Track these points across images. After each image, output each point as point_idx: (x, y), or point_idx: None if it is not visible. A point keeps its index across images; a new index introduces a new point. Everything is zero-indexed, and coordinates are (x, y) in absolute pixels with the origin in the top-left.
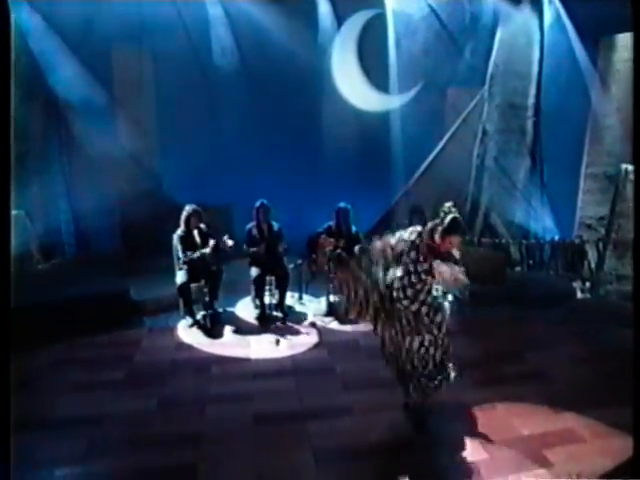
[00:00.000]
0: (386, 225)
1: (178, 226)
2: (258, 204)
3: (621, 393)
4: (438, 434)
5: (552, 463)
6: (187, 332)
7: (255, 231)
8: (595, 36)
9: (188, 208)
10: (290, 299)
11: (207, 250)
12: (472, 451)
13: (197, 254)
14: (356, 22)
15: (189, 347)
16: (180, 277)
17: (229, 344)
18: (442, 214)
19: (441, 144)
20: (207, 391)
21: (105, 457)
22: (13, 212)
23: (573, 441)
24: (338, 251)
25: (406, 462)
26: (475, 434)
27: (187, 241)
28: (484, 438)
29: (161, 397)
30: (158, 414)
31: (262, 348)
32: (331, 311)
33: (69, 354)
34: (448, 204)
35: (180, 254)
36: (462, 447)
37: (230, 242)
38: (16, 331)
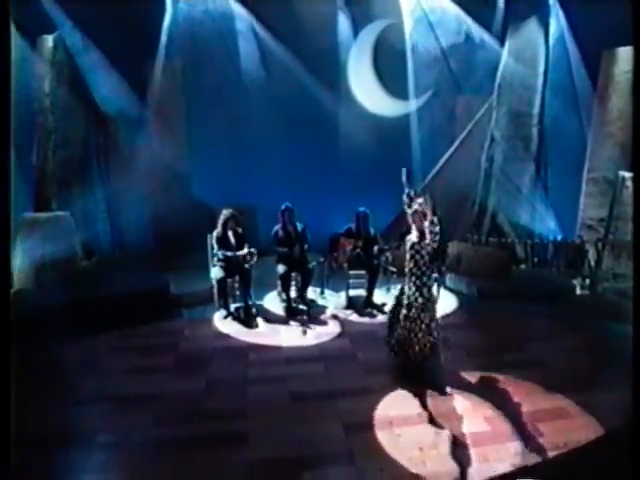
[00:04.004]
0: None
1: (205, 225)
2: (283, 207)
3: (609, 379)
4: (446, 410)
5: (544, 434)
6: (223, 323)
7: (281, 232)
8: (598, 49)
9: (226, 212)
10: (312, 294)
11: (242, 252)
12: (477, 423)
13: (231, 254)
14: (371, 31)
15: (226, 336)
16: (216, 273)
17: (261, 333)
18: None
19: (451, 149)
20: (247, 374)
21: (169, 427)
22: (60, 213)
23: (562, 417)
24: (357, 251)
25: (418, 433)
26: (480, 410)
27: (223, 241)
28: (487, 413)
29: (208, 379)
30: (208, 393)
31: (291, 337)
32: (350, 304)
33: (121, 342)
34: None
35: (216, 252)
36: (468, 419)
37: (255, 258)
38: (75, 321)
